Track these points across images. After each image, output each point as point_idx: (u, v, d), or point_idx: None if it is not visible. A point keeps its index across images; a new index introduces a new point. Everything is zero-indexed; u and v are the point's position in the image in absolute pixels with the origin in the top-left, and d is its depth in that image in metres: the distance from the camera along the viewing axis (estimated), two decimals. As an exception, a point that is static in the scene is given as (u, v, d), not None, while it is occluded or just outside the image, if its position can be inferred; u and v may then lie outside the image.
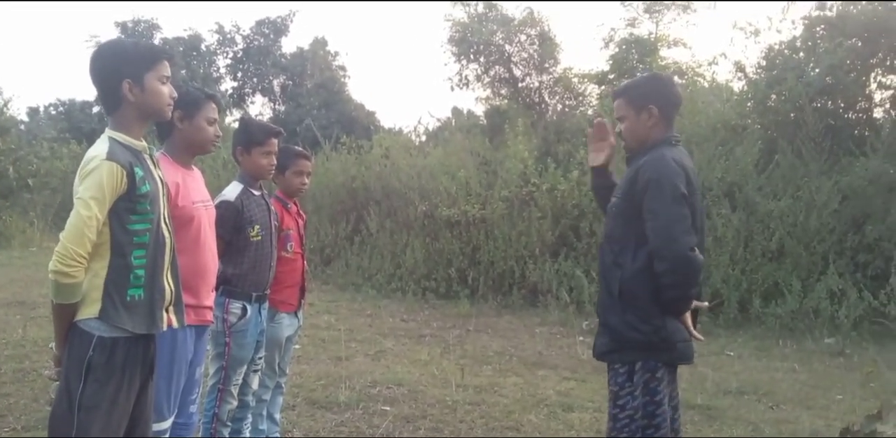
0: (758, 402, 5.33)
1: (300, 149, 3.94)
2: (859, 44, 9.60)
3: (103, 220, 2.23)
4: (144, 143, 2.41)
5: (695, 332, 2.82)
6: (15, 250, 13.25)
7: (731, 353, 6.90)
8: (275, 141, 3.49)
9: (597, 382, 5.38)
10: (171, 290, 2.44)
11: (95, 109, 25.74)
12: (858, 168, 8.69)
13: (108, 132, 2.35)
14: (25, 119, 31.87)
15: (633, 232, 2.72)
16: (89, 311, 2.25)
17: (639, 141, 2.86)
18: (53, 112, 30.30)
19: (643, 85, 2.91)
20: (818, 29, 10.11)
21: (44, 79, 66.44)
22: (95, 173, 2.21)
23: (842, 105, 9.91)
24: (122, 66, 2.33)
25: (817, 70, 9.49)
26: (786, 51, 10.27)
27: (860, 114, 10.04)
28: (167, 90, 2.41)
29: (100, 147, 2.28)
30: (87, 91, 30.08)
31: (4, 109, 16.15)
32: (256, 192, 3.46)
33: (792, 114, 9.58)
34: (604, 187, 3.14)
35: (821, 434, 4.62)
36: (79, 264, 2.18)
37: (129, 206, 2.27)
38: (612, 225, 2.84)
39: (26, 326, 6.71)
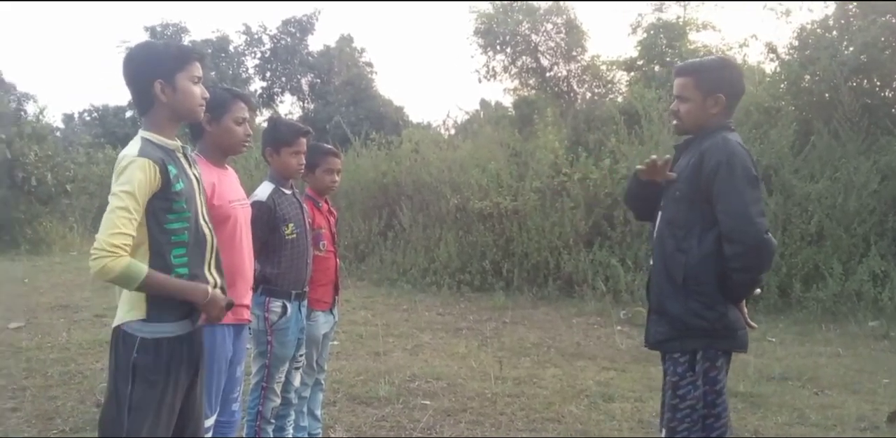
0: (802, 388, 5.25)
1: (329, 146, 3.94)
2: (893, 20, 9.37)
3: (139, 216, 2.22)
4: (178, 143, 2.42)
5: (749, 320, 2.78)
6: (56, 255, 13.53)
7: (773, 339, 6.81)
8: (303, 140, 3.49)
9: (636, 371, 5.29)
10: (215, 284, 2.45)
11: (129, 114, 26.16)
12: (898, 146, 8.51)
13: (141, 133, 2.37)
14: (61, 126, 32.58)
15: (699, 217, 2.66)
16: (132, 314, 2.28)
17: (697, 125, 2.79)
18: (88, 118, 30.87)
19: (715, 70, 2.78)
20: (851, 6, 9.90)
21: (77, 86, 67.68)
22: (128, 170, 2.22)
23: (878, 83, 9.70)
24: (153, 66, 2.35)
25: (851, 48, 9.30)
26: (818, 30, 10.07)
27: (897, 92, 9.83)
28: (199, 90, 2.42)
29: (132, 147, 2.31)
30: (119, 96, 30.58)
31: (40, 117, 16.50)
32: (288, 191, 3.49)
33: (827, 95, 9.41)
34: (644, 192, 2.96)
35: (868, 418, 4.55)
36: (111, 253, 2.14)
37: (165, 206, 2.28)
38: (675, 211, 2.74)
39: (70, 329, 6.85)
